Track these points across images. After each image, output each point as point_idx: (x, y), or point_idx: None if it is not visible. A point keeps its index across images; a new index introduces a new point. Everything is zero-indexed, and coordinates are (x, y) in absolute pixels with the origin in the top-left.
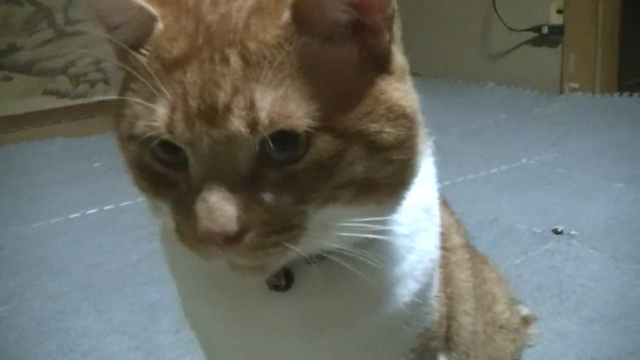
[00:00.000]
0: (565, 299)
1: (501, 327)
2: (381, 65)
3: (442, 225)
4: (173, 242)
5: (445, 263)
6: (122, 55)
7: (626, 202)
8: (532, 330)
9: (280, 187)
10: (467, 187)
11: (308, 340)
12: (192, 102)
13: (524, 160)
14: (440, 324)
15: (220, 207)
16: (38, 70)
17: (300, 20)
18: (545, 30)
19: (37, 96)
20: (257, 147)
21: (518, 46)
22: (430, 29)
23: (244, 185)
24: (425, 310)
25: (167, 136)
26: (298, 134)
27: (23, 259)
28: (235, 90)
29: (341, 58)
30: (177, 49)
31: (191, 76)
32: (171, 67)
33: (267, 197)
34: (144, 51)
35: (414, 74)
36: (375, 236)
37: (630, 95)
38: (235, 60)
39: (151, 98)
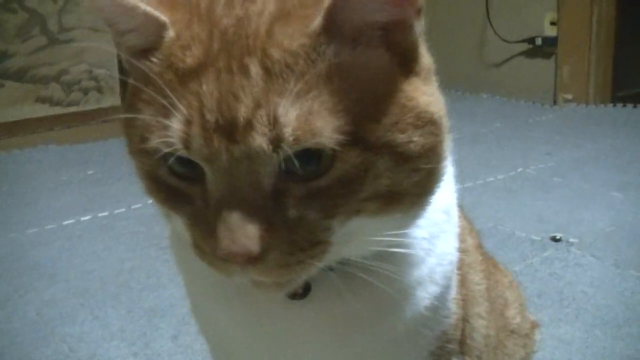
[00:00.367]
0: (566, 306)
1: (512, 331)
2: (408, 65)
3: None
4: (186, 249)
5: (460, 265)
6: (132, 62)
7: (624, 210)
8: (536, 336)
9: (304, 203)
10: (464, 195)
11: (326, 347)
12: (210, 116)
13: (520, 169)
14: (457, 327)
15: (242, 227)
16: (30, 77)
17: (333, 26)
18: (539, 41)
19: (30, 104)
20: (281, 163)
21: (512, 57)
22: (425, 40)
23: (266, 203)
24: (444, 313)
25: (183, 152)
26: (321, 150)
27: (17, 265)
28: (257, 104)
29: (370, 65)
30: (190, 57)
31: (207, 87)
32: (185, 77)
33: (291, 214)
34: (154, 60)
35: None
36: (398, 249)
37: (624, 106)
38: (255, 70)
39: (164, 111)
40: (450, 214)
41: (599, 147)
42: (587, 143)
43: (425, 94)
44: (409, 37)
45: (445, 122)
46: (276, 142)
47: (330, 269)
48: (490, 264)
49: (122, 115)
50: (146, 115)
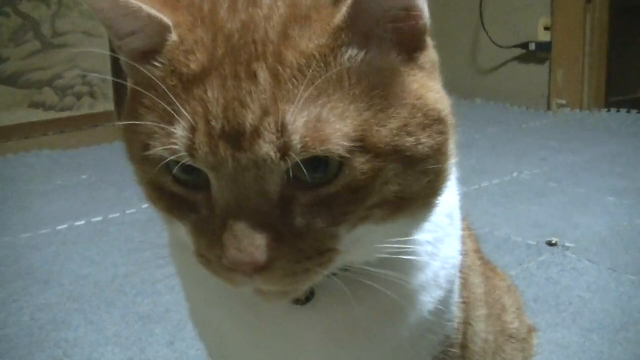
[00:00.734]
0: (563, 310)
1: (511, 336)
2: (416, 58)
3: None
4: (187, 255)
5: (461, 267)
6: (133, 66)
7: (619, 214)
8: (534, 340)
9: (311, 211)
10: (460, 200)
11: (329, 353)
12: (215, 123)
13: (515, 175)
14: (460, 330)
15: (249, 236)
16: (24, 82)
17: (354, 21)
18: (533, 47)
19: (23, 109)
20: (288, 170)
21: (506, 63)
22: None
23: (273, 212)
24: (448, 318)
25: (188, 160)
26: (329, 157)
27: (12, 270)
28: (265, 111)
29: (381, 68)
30: (194, 63)
31: (213, 94)
32: (189, 83)
33: (298, 222)
34: (157, 64)
35: None
36: (404, 257)
37: (618, 111)
38: (264, 76)
39: (168, 117)
40: (453, 217)
41: (593, 152)
42: (582, 148)
43: (432, 90)
44: (419, 24)
45: (451, 120)
46: (284, 150)
47: (334, 274)
48: (488, 268)
49: (123, 122)
50: (148, 122)
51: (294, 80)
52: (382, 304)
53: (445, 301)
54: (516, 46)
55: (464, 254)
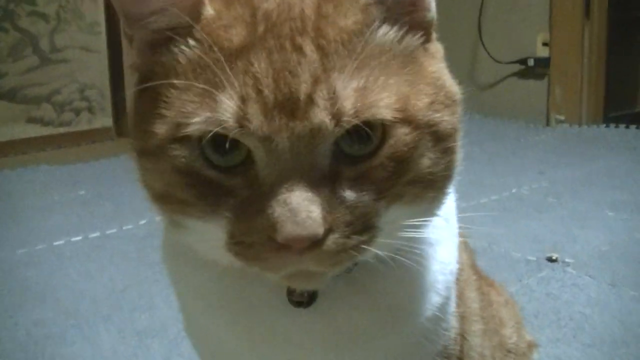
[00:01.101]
0: (564, 326)
1: (509, 351)
2: (429, 47)
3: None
4: (182, 263)
5: (457, 280)
6: (153, 50)
7: (619, 229)
8: (534, 355)
9: (358, 185)
10: (458, 213)
11: (330, 357)
12: (268, 92)
13: (514, 190)
14: (457, 342)
15: (306, 209)
16: (22, 97)
17: (380, 1)
18: (531, 62)
19: (21, 124)
20: (338, 142)
21: (504, 78)
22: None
23: (325, 184)
24: (445, 326)
25: (235, 131)
26: (373, 126)
27: (7, 285)
28: (316, 80)
29: (407, 45)
30: (237, 36)
31: (260, 65)
32: (232, 56)
33: (348, 195)
34: (191, 41)
35: None
36: (415, 247)
37: (616, 126)
38: (310, 49)
39: (209, 92)
40: (450, 222)
41: (592, 167)
42: (581, 163)
43: (446, 75)
44: (428, 16)
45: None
46: (338, 116)
47: (339, 274)
48: (485, 282)
49: (132, 117)
50: (183, 100)
51: (338, 52)
52: (382, 309)
53: (442, 308)
54: (514, 62)
55: (460, 266)
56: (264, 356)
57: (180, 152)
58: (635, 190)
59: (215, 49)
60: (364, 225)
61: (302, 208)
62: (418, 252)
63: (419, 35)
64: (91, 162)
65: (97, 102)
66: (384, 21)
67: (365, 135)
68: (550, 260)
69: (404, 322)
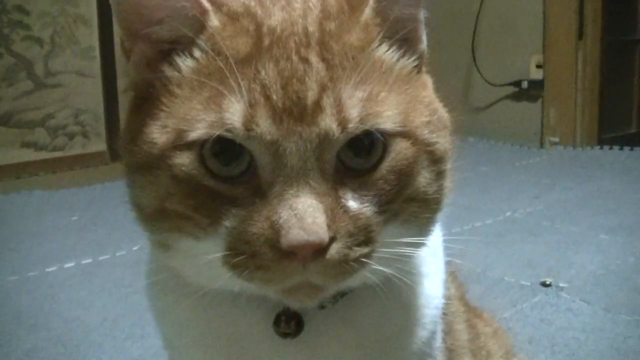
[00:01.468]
0: (558, 352)
1: None
2: (419, 76)
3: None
4: (168, 295)
5: (444, 312)
6: (152, 64)
7: (613, 253)
8: None
9: (359, 197)
10: (452, 241)
11: None
12: (276, 98)
13: (508, 214)
14: None
15: (311, 215)
16: (16, 122)
17: (378, 18)
18: (525, 84)
19: (15, 148)
20: (338, 152)
21: (498, 101)
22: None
23: (330, 192)
24: None
25: (241, 134)
26: (375, 139)
27: None
28: (323, 88)
29: (403, 65)
30: (243, 45)
31: (267, 73)
32: (239, 65)
33: (352, 205)
34: (197, 52)
35: None
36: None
37: (611, 148)
38: (316, 60)
39: (217, 97)
40: (437, 256)
41: (586, 190)
42: (575, 186)
43: (438, 102)
44: (421, 47)
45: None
46: (344, 123)
47: (322, 307)
48: (473, 314)
49: (127, 130)
50: (187, 108)
51: (342, 64)
52: (368, 341)
53: (428, 343)
54: (508, 84)
55: (448, 299)
56: None
57: (180, 161)
58: (629, 214)
59: (221, 58)
60: (365, 238)
61: (308, 214)
62: (407, 282)
63: (414, 59)
64: (85, 187)
65: (91, 126)
66: (383, 41)
67: (367, 148)
68: (544, 285)
69: (390, 356)
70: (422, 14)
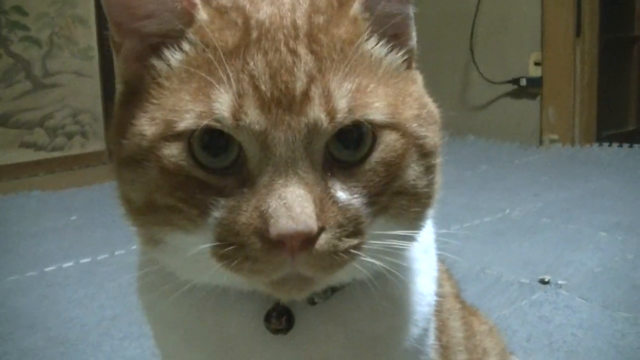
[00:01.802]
0: (557, 349)
1: None
2: (408, 72)
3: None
4: (159, 293)
5: (439, 310)
6: (142, 58)
7: (612, 250)
8: None
9: (348, 188)
10: (450, 239)
11: None
12: (265, 88)
13: (507, 211)
14: None
15: (300, 204)
16: (15, 122)
17: (366, 12)
18: (523, 82)
19: (14, 148)
20: (327, 144)
21: (497, 98)
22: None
23: (317, 183)
24: (423, 359)
25: (229, 124)
26: (364, 132)
27: None
28: (311, 79)
29: (392, 60)
30: (232, 38)
31: (256, 65)
32: (227, 56)
33: (340, 196)
34: (186, 45)
35: None
36: (405, 247)
37: (610, 145)
38: (304, 52)
39: (205, 88)
40: (429, 254)
41: (585, 187)
42: (574, 183)
43: (428, 97)
44: (410, 43)
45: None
46: (332, 113)
47: (314, 302)
48: (468, 312)
49: (115, 125)
50: (175, 99)
51: (331, 56)
52: (359, 338)
53: (420, 340)
54: (507, 82)
55: (443, 296)
56: None
57: (169, 152)
58: (628, 211)
59: (210, 50)
60: (354, 229)
61: (297, 204)
62: (398, 276)
63: (403, 54)
64: (84, 187)
65: (90, 126)
66: (371, 35)
67: (356, 141)
68: (542, 282)
69: (381, 353)
70: (411, 11)
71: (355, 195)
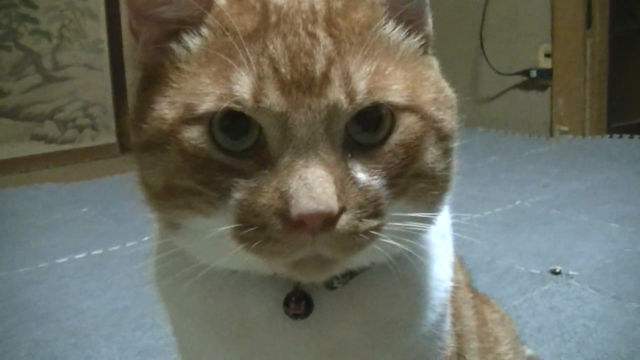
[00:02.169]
0: (567, 340)
1: None
2: (425, 57)
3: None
4: (176, 280)
5: (453, 298)
6: (160, 44)
7: (623, 241)
8: None
9: (368, 170)
10: (461, 230)
11: None
12: (285, 71)
13: (517, 202)
14: None
15: (321, 185)
16: (25, 115)
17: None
18: (533, 73)
19: (25, 141)
20: (347, 126)
21: (507, 90)
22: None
23: (339, 163)
24: (440, 345)
25: (250, 106)
26: (383, 114)
27: (9, 305)
28: (331, 61)
29: (409, 44)
30: (250, 22)
31: (275, 48)
32: (247, 40)
33: (360, 177)
34: (204, 30)
35: None
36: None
37: (620, 136)
38: (323, 35)
39: (225, 71)
40: (445, 240)
41: (596, 179)
42: (584, 174)
43: (444, 82)
44: (426, 29)
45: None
46: (352, 95)
47: (332, 287)
48: (480, 300)
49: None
50: (195, 82)
51: (350, 40)
52: (377, 323)
53: (438, 325)
54: (517, 73)
55: (456, 285)
56: None
57: (189, 135)
58: (639, 202)
59: (229, 33)
60: (374, 210)
61: (317, 184)
62: (418, 258)
63: (419, 39)
64: (94, 179)
65: (100, 119)
66: (389, 20)
67: (375, 123)
68: (553, 272)
69: (399, 338)
70: None
71: (375, 177)
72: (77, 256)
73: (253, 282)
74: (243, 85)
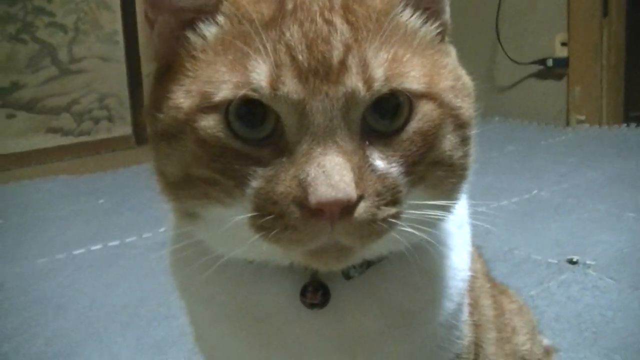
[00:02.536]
0: (585, 329)
1: (522, 358)
2: (442, 44)
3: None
4: (193, 270)
5: (471, 287)
6: (176, 33)
7: None
8: None
9: (386, 157)
10: (479, 219)
11: None
12: (302, 58)
13: (534, 192)
14: (469, 351)
15: (339, 172)
16: (41, 108)
17: None
18: (550, 62)
19: (41, 134)
20: (364, 114)
21: (523, 79)
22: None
23: (356, 151)
24: (457, 334)
25: (267, 94)
26: (401, 101)
27: (26, 296)
28: (348, 48)
29: (427, 31)
30: (267, 10)
31: (292, 35)
32: (264, 27)
33: (379, 165)
34: (220, 18)
35: None
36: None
37: (637, 126)
38: (340, 22)
39: (239, 60)
40: (463, 229)
41: (612, 168)
42: (601, 164)
43: (462, 69)
44: (443, 16)
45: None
46: (369, 82)
47: (349, 277)
48: (498, 290)
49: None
50: (212, 71)
51: (367, 27)
52: (395, 314)
53: (455, 315)
54: (533, 62)
55: (474, 274)
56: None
57: (206, 123)
58: None
59: (245, 21)
60: (392, 198)
61: (335, 171)
62: (436, 246)
63: (436, 26)
64: (110, 171)
65: (116, 110)
66: (405, 7)
67: (393, 111)
68: (571, 262)
69: (416, 328)
70: None
71: (393, 165)
72: (94, 247)
73: (270, 273)
74: (260, 73)
